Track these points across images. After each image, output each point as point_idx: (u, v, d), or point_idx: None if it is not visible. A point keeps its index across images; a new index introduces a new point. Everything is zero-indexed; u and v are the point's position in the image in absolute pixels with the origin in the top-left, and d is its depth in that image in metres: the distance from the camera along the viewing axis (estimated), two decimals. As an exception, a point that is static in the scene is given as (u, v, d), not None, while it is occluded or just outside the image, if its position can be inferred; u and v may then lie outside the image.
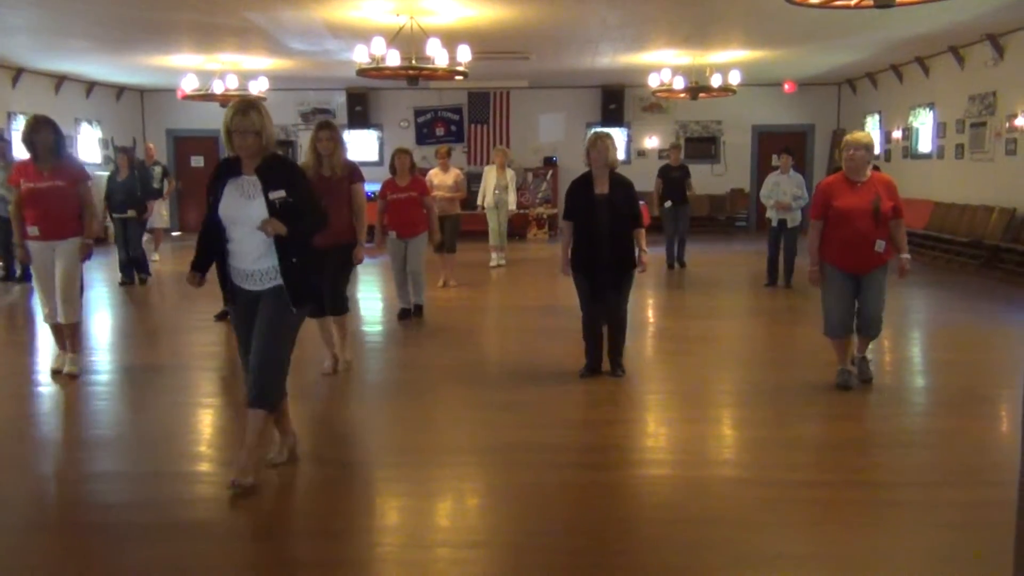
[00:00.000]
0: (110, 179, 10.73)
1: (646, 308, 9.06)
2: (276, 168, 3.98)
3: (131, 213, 10.45)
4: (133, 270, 10.65)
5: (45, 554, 3.46)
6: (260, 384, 3.91)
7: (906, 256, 5.58)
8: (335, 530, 3.62)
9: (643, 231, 5.89)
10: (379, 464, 4.55)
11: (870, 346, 5.85)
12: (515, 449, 4.59)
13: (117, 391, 6.02)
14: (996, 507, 3.58)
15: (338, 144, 5.85)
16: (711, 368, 6.57)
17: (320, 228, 4.13)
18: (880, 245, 5.37)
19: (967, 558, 3.34)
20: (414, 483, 4.19)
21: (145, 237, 12.71)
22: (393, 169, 8.19)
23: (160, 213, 13.23)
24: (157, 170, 12.90)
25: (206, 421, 5.37)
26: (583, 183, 5.83)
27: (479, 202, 12.07)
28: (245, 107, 3.88)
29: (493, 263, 12.13)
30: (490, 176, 11.95)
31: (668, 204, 11.75)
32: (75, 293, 6.02)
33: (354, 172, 5.96)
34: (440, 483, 4.21)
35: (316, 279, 4.15)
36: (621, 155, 12.22)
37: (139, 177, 10.77)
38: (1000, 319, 8.38)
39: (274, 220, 3.83)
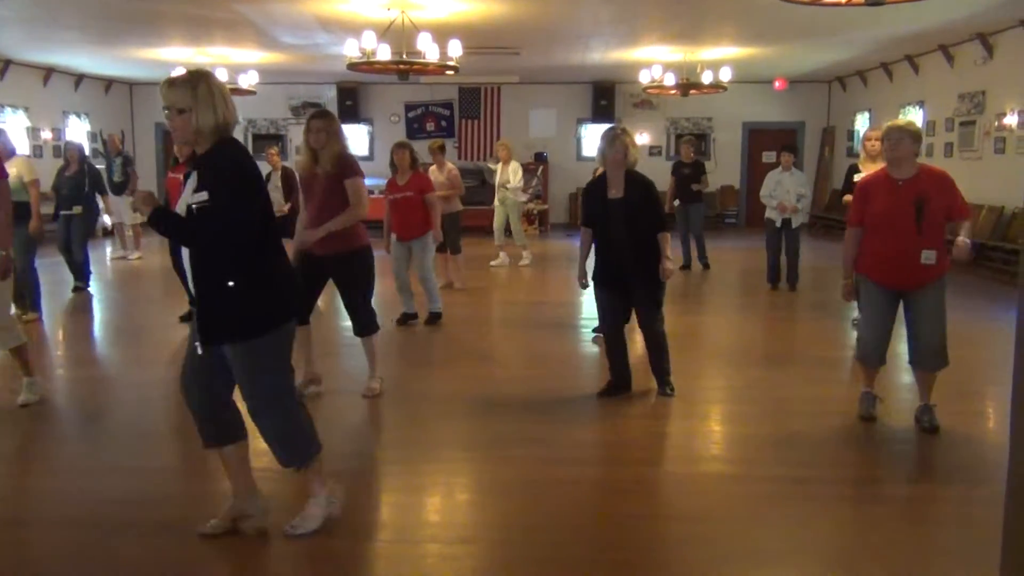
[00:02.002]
0: (58, 173, 9.79)
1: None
2: (212, 160, 3.08)
3: (77, 210, 9.41)
4: (85, 273, 9.56)
5: (36, 549, 3.44)
6: (289, 450, 3.40)
7: (964, 240, 4.59)
8: (325, 526, 3.60)
9: (667, 235, 5.25)
10: (369, 460, 4.53)
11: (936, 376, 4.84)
12: (505, 445, 4.59)
13: (105, 389, 5.98)
14: (984, 504, 3.60)
15: (332, 136, 5.02)
16: (704, 365, 6.58)
17: (224, 239, 3.04)
18: (928, 256, 4.45)
19: (955, 554, 3.36)
20: (404, 479, 4.18)
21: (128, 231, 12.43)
22: (393, 167, 7.64)
23: (128, 210, 11.97)
24: (119, 162, 12.08)
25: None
26: (598, 185, 5.35)
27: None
28: (175, 79, 3.06)
29: (495, 263, 11.76)
30: (498, 173, 11.56)
31: (676, 203, 11.34)
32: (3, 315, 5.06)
33: (346, 167, 5.06)
34: (429, 479, 4.20)
35: (264, 302, 3.19)
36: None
37: (88, 172, 9.80)
38: (988, 317, 8.42)
39: (147, 193, 3.01)
